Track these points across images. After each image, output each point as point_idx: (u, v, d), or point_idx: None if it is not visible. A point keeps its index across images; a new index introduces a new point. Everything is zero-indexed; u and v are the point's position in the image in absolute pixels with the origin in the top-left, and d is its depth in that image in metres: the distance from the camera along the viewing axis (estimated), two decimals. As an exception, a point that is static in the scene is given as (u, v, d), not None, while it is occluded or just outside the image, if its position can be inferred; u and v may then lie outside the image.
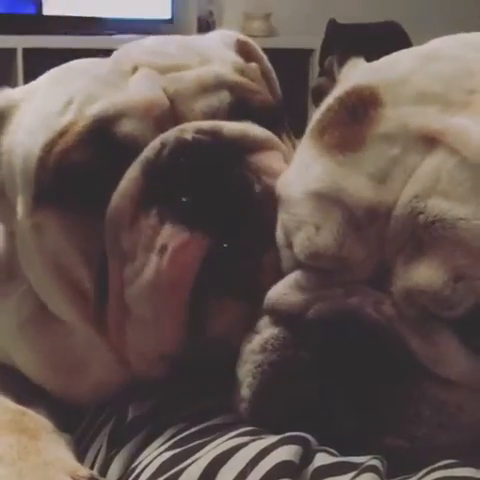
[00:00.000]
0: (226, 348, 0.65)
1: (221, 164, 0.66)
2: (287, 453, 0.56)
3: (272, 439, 0.58)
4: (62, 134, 0.69)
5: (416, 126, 0.57)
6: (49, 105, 0.72)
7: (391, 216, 0.56)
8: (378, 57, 0.67)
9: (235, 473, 0.56)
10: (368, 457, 0.55)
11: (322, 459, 0.56)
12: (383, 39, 2.82)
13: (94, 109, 0.68)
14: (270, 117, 0.74)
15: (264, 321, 0.63)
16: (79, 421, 0.76)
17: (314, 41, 3.59)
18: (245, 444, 0.59)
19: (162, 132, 0.67)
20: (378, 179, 0.57)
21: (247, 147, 0.69)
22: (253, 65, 0.80)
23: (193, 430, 0.64)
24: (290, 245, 0.62)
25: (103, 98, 0.69)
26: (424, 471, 0.54)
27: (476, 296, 0.54)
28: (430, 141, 0.56)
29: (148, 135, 0.67)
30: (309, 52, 3.85)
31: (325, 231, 0.58)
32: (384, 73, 0.62)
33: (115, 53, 0.77)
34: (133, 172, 0.66)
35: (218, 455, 0.58)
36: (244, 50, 0.82)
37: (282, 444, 0.57)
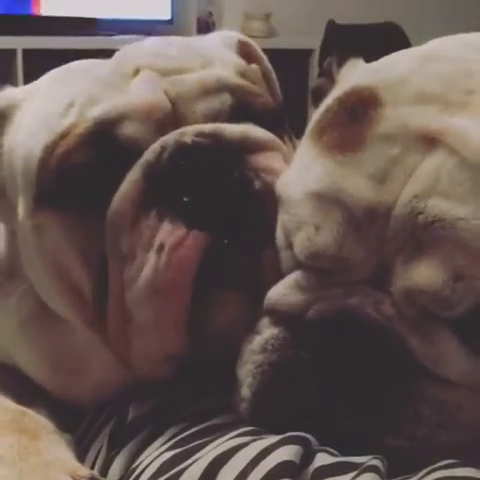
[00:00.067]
0: (226, 347, 0.66)
1: (221, 166, 0.66)
2: (288, 453, 0.56)
3: (273, 439, 0.58)
4: (64, 136, 0.69)
5: (416, 126, 0.57)
6: (50, 106, 0.72)
7: (391, 216, 0.56)
8: (377, 58, 0.67)
9: (236, 473, 0.56)
10: (368, 457, 0.56)
11: (322, 459, 0.56)
12: (382, 40, 2.82)
13: (96, 111, 0.68)
14: (271, 119, 0.74)
15: (264, 321, 0.63)
16: (79, 421, 0.76)
17: (314, 41, 3.59)
18: (246, 444, 0.59)
19: (163, 135, 0.67)
20: (378, 179, 0.57)
21: (248, 148, 0.69)
22: (254, 67, 0.80)
23: (194, 430, 0.64)
24: (290, 245, 0.62)
25: (104, 100, 0.69)
26: (424, 471, 0.54)
27: (476, 296, 0.54)
28: (430, 141, 0.56)
29: (149, 138, 0.68)
30: (309, 52, 3.85)
31: (325, 231, 0.58)
32: (383, 73, 0.62)
33: (116, 54, 0.77)
34: (134, 175, 0.67)
35: (219, 455, 0.58)
36: (245, 51, 0.83)
37: (283, 444, 0.57)
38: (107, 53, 0.77)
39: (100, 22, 3.66)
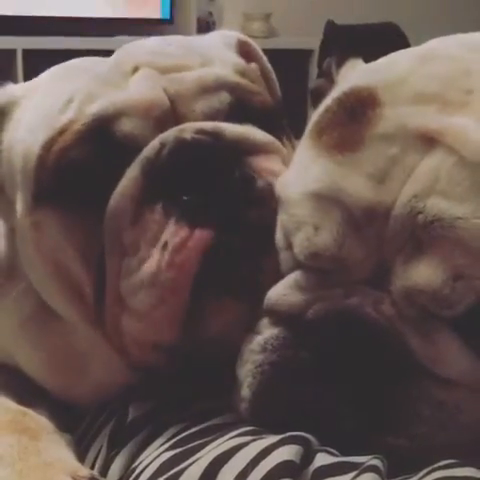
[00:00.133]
0: (222, 348, 0.66)
1: (221, 164, 0.66)
2: (288, 453, 0.56)
3: (273, 439, 0.58)
4: (62, 132, 0.69)
5: (414, 126, 0.57)
6: (50, 103, 0.72)
7: (390, 216, 0.56)
8: (376, 58, 0.67)
9: (236, 473, 0.56)
10: (369, 457, 0.56)
11: (323, 459, 0.56)
12: (381, 40, 2.82)
13: (94, 108, 0.69)
14: (270, 118, 0.74)
15: (264, 321, 0.63)
16: (79, 421, 0.76)
17: (314, 42, 3.59)
18: (246, 444, 0.59)
19: (162, 132, 0.67)
20: (377, 179, 0.57)
21: (247, 150, 0.69)
22: (253, 66, 0.81)
23: (193, 430, 0.64)
24: (290, 246, 0.62)
25: (103, 97, 0.69)
26: (424, 471, 0.54)
27: (475, 295, 0.54)
28: (429, 141, 0.56)
29: (148, 135, 0.68)
30: (309, 53, 3.85)
31: (324, 231, 0.58)
32: (382, 74, 0.62)
33: (116, 53, 0.77)
34: (133, 171, 0.67)
35: (219, 455, 0.58)
36: (244, 50, 0.83)
37: (283, 444, 0.57)
38: (108, 53, 0.77)
39: (100, 22, 3.66)
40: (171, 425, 0.66)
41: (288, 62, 2.89)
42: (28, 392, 0.77)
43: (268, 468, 0.55)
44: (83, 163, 0.68)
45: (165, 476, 0.60)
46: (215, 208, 0.65)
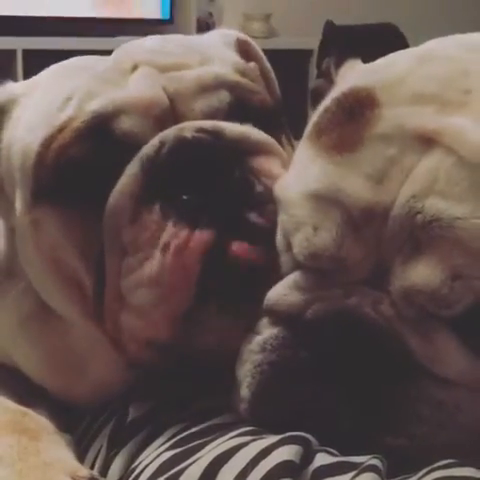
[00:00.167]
0: (219, 353, 0.66)
1: (221, 164, 0.66)
2: (288, 453, 0.56)
3: (273, 439, 0.58)
4: (61, 130, 0.69)
5: (412, 126, 0.57)
6: (49, 101, 0.72)
7: (389, 216, 0.56)
8: (375, 58, 0.67)
9: (236, 473, 0.56)
10: (368, 457, 0.56)
11: (322, 459, 0.56)
12: (380, 41, 2.82)
13: (93, 105, 0.69)
14: (269, 118, 0.74)
15: (263, 321, 0.63)
16: (79, 421, 0.76)
17: (314, 42, 3.58)
18: (246, 444, 0.59)
19: (161, 131, 0.67)
20: (375, 179, 0.57)
21: (248, 150, 0.69)
22: (252, 65, 0.80)
23: (193, 430, 0.64)
24: (289, 248, 0.62)
25: (103, 95, 0.69)
26: (424, 471, 0.54)
27: (474, 295, 0.54)
28: (427, 141, 0.56)
29: (148, 133, 0.68)
30: (309, 53, 3.85)
31: (323, 232, 0.58)
32: (381, 74, 0.62)
33: (115, 52, 0.77)
34: (132, 169, 0.66)
35: (219, 455, 0.58)
36: (243, 49, 0.83)
37: (283, 444, 0.57)
38: (108, 54, 0.77)
39: (100, 23, 3.66)
40: (171, 425, 0.66)
41: (288, 62, 2.89)
42: (27, 392, 0.77)
43: (268, 468, 0.55)
44: (82, 161, 0.68)
45: (165, 476, 0.60)
46: (215, 208, 0.65)
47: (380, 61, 0.66)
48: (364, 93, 0.61)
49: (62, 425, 0.74)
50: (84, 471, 0.66)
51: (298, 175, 0.63)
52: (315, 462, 0.56)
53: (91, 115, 0.68)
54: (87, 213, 0.68)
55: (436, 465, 0.54)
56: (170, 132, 0.67)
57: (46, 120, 0.70)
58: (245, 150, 0.69)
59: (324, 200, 0.59)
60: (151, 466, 0.62)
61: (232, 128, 0.69)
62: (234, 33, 0.84)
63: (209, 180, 0.65)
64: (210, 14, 3.98)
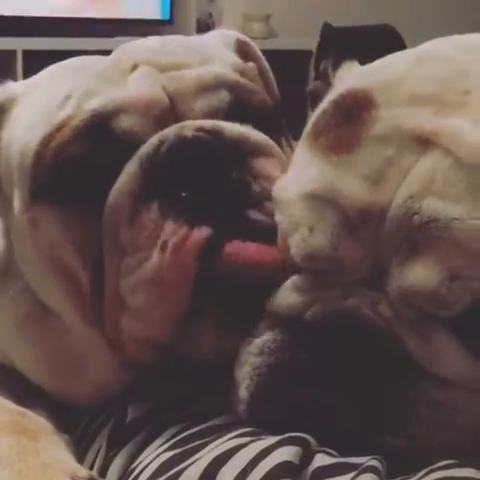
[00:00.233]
0: (214, 362, 0.66)
1: (221, 163, 0.66)
2: (287, 454, 0.56)
3: (272, 440, 0.58)
4: (59, 128, 0.69)
5: (410, 127, 0.57)
6: (48, 100, 0.72)
7: (386, 217, 0.56)
8: (372, 60, 0.67)
9: (235, 473, 0.56)
10: (367, 458, 0.56)
11: (321, 460, 0.56)
12: (377, 42, 2.82)
13: (92, 104, 0.69)
14: (269, 118, 0.74)
15: (262, 324, 0.63)
16: (79, 422, 0.76)
17: (314, 43, 3.57)
18: (245, 445, 0.59)
19: (161, 130, 0.67)
20: (372, 180, 0.57)
21: (247, 150, 0.69)
22: (251, 65, 0.81)
23: (193, 430, 0.64)
24: (288, 249, 0.62)
25: (102, 94, 0.69)
26: (423, 472, 0.54)
27: (472, 295, 0.54)
28: (424, 142, 0.56)
29: (147, 132, 0.68)
30: (309, 53, 3.84)
31: (319, 232, 0.58)
32: (378, 76, 0.62)
33: (115, 51, 0.77)
34: (131, 167, 0.66)
35: (218, 455, 0.58)
36: (243, 50, 0.83)
37: (282, 445, 0.57)
38: (107, 54, 0.77)
39: (100, 23, 3.66)
40: (170, 425, 0.66)
41: (288, 63, 2.89)
42: (26, 392, 0.77)
43: (267, 469, 0.55)
44: (81, 159, 0.68)
45: (164, 476, 0.60)
46: (213, 207, 0.65)
47: (378, 62, 0.66)
48: (361, 94, 0.61)
49: (61, 425, 0.74)
50: (83, 472, 0.66)
51: (296, 176, 0.63)
52: (314, 463, 0.56)
53: (90, 114, 0.68)
54: (86, 212, 0.67)
55: (436, 466, 0.54)
56: (170, 131, 0.67)
57: (45, 119, 0.70)
58: (244, 151, 0.69)
59: (321, 201, 0.59)
60: (150, 467, 0.62)
61: (232, 128, 0.69)
62: (234, 34, 0.84)
63: (207, 179, 0.65)
64: (210, 14, 3.98)
